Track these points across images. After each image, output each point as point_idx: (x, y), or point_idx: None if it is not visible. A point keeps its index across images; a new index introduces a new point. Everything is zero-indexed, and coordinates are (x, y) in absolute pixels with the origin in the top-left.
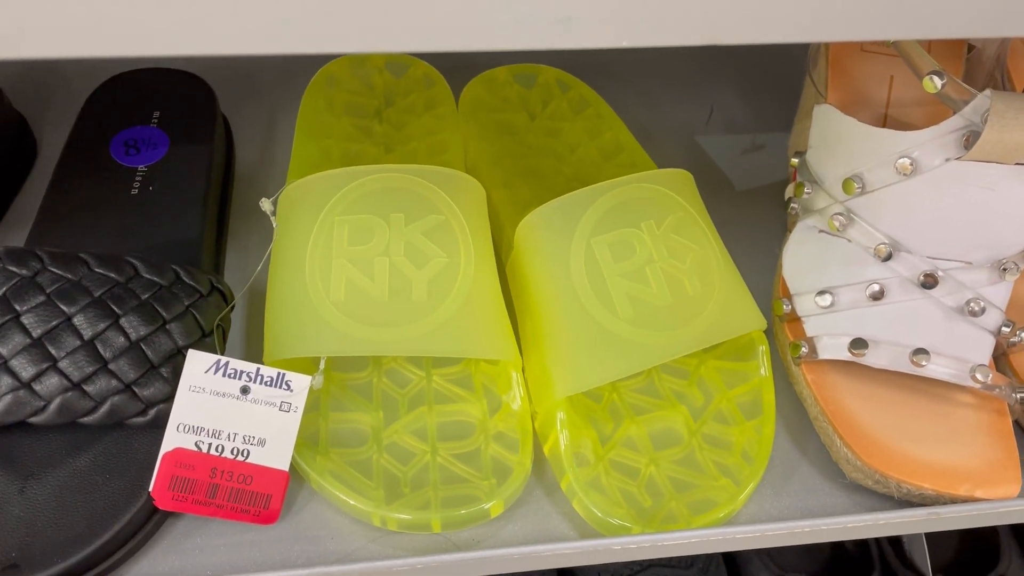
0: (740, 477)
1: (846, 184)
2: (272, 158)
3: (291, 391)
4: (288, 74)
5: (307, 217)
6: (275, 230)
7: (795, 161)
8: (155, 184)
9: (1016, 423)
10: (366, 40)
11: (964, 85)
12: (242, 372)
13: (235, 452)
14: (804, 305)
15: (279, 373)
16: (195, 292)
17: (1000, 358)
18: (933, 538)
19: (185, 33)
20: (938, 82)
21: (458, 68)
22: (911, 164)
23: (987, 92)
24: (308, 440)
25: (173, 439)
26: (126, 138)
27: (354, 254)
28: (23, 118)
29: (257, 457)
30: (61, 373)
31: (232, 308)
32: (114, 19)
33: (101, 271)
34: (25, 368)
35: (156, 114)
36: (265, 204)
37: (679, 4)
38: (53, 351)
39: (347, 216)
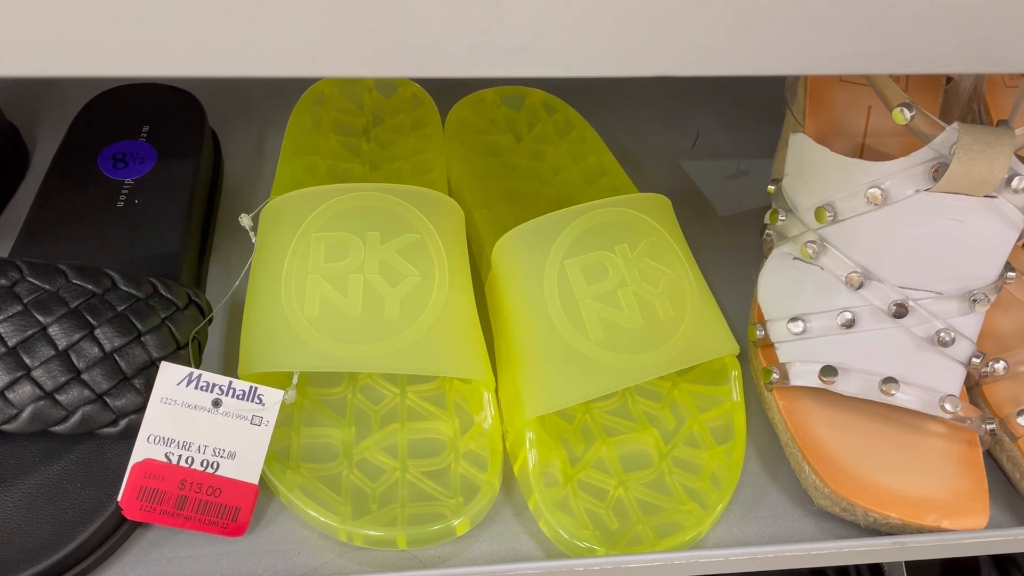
0: (707, 501)
1: (818, 212)
2: (260, 174)
3: (263, 405)
4: (278, 91)
5: (285, 233)
6: (255, 245)
7: (771, 188)
8: (140, 197)
9: (987, 453)
10: (321, 63)
11: (932, 117)
12: (214, 385)
13: (205, 464)
14: (777, 331)
15: (251, 387)
16: (171, 305)
17: (973, 388)
18: (913, 565)
19: (162, 54)
20: (907, 114)
21: (448, 89)
22: (881, 194)
23: (955, 125)
24: (279, 454)
25: (143, 450)
26: (115, 151)
27: (329, 271)
28: (15, 128)
29: (227, 470)
30: (34, 382)
31: (209, 321)
32: (97, 40)
33: (79, 282)
34: None
35: (146, 128)
36: (244, 220)
37: (628, 36)
38: (27, 360)
39: (324, 233)
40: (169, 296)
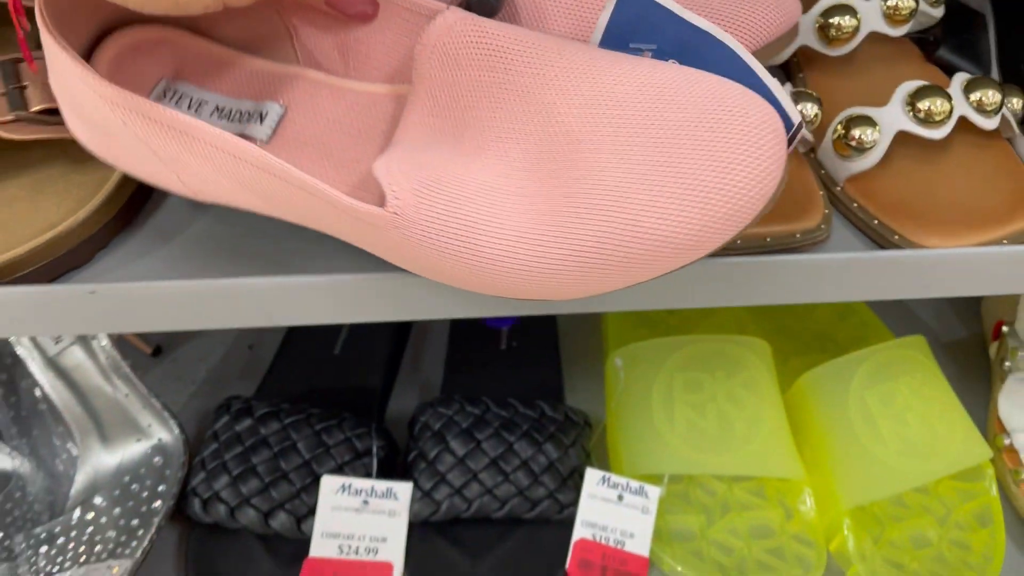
0: (984, 574)
1: None
2: None
3: (648, 498)
4: None
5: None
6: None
7: (1005, 329)
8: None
9: None
10: None
11: None
12: (617, 483)
13: (617, 543)
14: (1022, 439)
15: (640, 485)
16: (577, 425)
17: None
18: None
19: None
20: None
21: None
22: None
23: None
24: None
25: (578, 532)
26: None
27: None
28: None
29: (630, 547)
30: (511, 483)
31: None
32: None
33: (524, 411)
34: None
35: None
36: (618, 362)
37: None
38: (505, 467)
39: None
40: (573, 418)
